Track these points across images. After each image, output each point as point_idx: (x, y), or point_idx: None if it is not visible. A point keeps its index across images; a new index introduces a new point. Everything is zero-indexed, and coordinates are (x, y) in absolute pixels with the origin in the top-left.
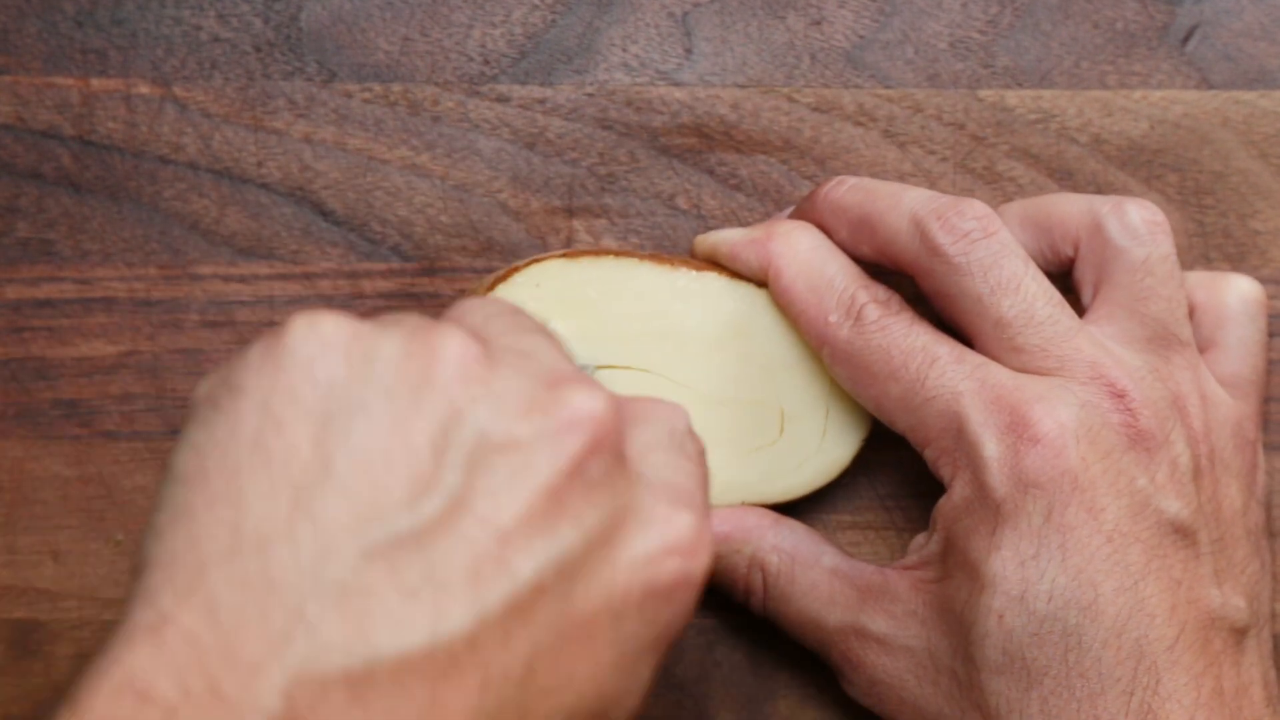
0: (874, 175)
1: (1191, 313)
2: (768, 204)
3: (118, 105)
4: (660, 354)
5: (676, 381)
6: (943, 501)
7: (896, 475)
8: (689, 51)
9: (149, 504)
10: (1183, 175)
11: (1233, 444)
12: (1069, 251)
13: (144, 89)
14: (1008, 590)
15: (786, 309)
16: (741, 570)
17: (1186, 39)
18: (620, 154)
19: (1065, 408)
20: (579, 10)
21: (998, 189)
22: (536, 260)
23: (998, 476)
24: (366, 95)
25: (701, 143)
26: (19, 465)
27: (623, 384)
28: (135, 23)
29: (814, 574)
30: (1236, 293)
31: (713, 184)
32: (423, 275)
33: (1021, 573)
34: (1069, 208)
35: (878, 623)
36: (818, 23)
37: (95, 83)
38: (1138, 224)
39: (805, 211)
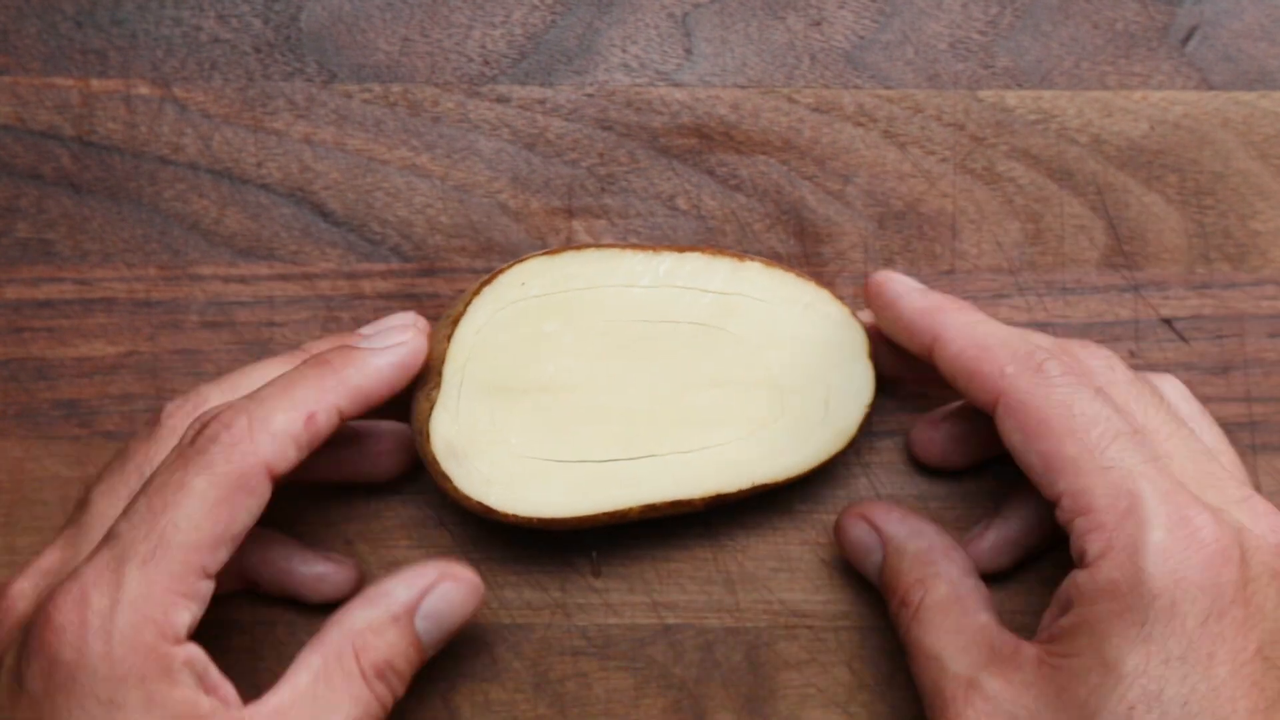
0: (874, 176)
1: None
2: (768, 204)
3: (118, 105)
4: (653, 340)
5: (671, 366)
6: (1082, 577)
7: (897, 475)
8: (689, 52)
9: None
10: (1183, 175)
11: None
12: None
13: (144, 89)
14: (1145, 686)
15: (957, 375)
16: (910, 581)
17: (1186, 39)
18: (620, 154)
19: (1230, 525)
20: (579, 11)
21: (998, 189)
22: (519, 261)
23: (1160, 567)
24: (366, 96)
25: (701, 143)
26: (19, 465)
27: (618, 375)
28: (135, 23)
29: (964, 620)
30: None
31: (713, 184)
32: (423, 275)
33: (1164, 671)
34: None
35: (994, 684)
36: (818, 23)
37: (95, 83)
38: (1180, 391)
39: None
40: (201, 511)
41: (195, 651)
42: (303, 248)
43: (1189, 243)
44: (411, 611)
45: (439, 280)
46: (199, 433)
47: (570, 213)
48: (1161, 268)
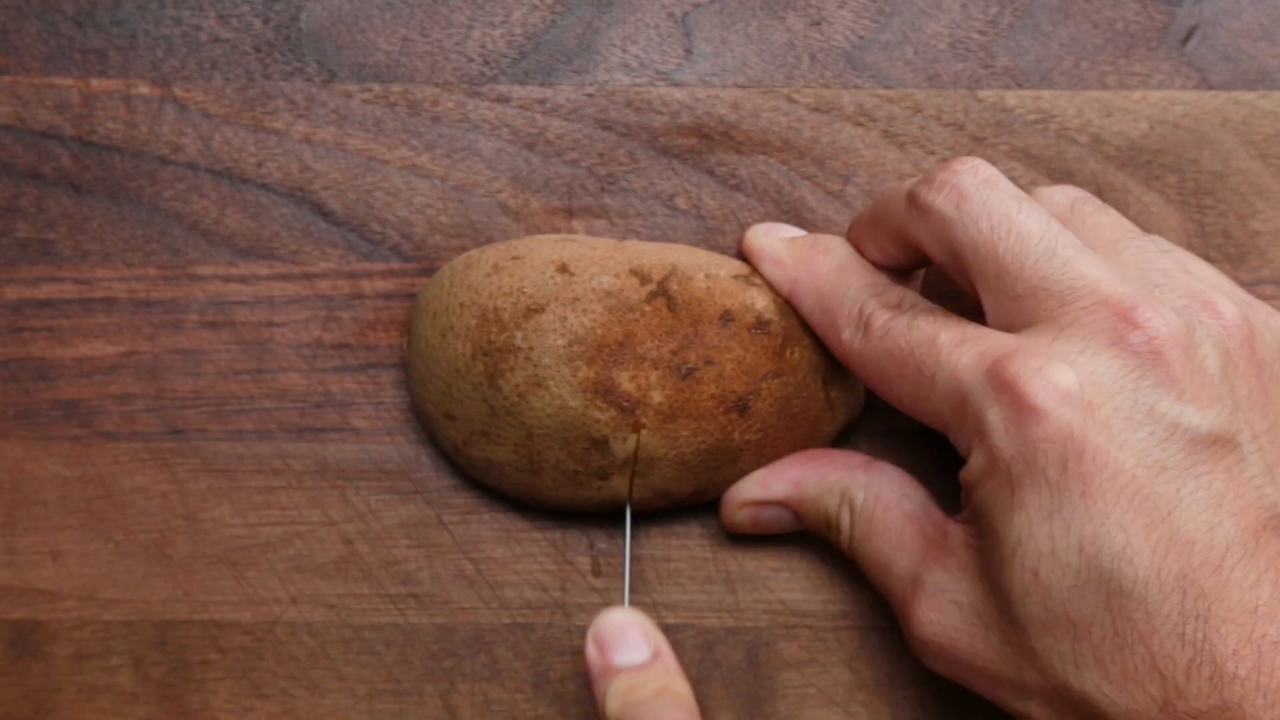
0: (874, 176)
1: None
2: (767, 204)
3: (118, 105)
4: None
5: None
6: (964, 472)
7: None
8: (689, 52)
9: (148, 504)
10: (1183, 175)
11: (1270, 330)
12: None
13: (144, 89)
14: (1037, 547)
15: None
16: (834, 508)
17: (1186, 39)
18: (620, 154)
19: (1058, 362)
20: (579, 10)
21: None
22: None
23: (1004, 439)
24: (366, 95)
25: (701, 143)
26: (19, 465)
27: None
28: (135, 23)
29: (891, 516)
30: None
31: (713, 184)
32: (423, 275)
33: (1048, 527)
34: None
35: (934, 575)
36: (818, 23)
37: (95, 83)
38: (1050, 190)
39: (852, 230)
40: None
41: None
42: (303, 248)
43: (1189, 243)
44: None
45: None
46: None
47: (570, 213)
48: None
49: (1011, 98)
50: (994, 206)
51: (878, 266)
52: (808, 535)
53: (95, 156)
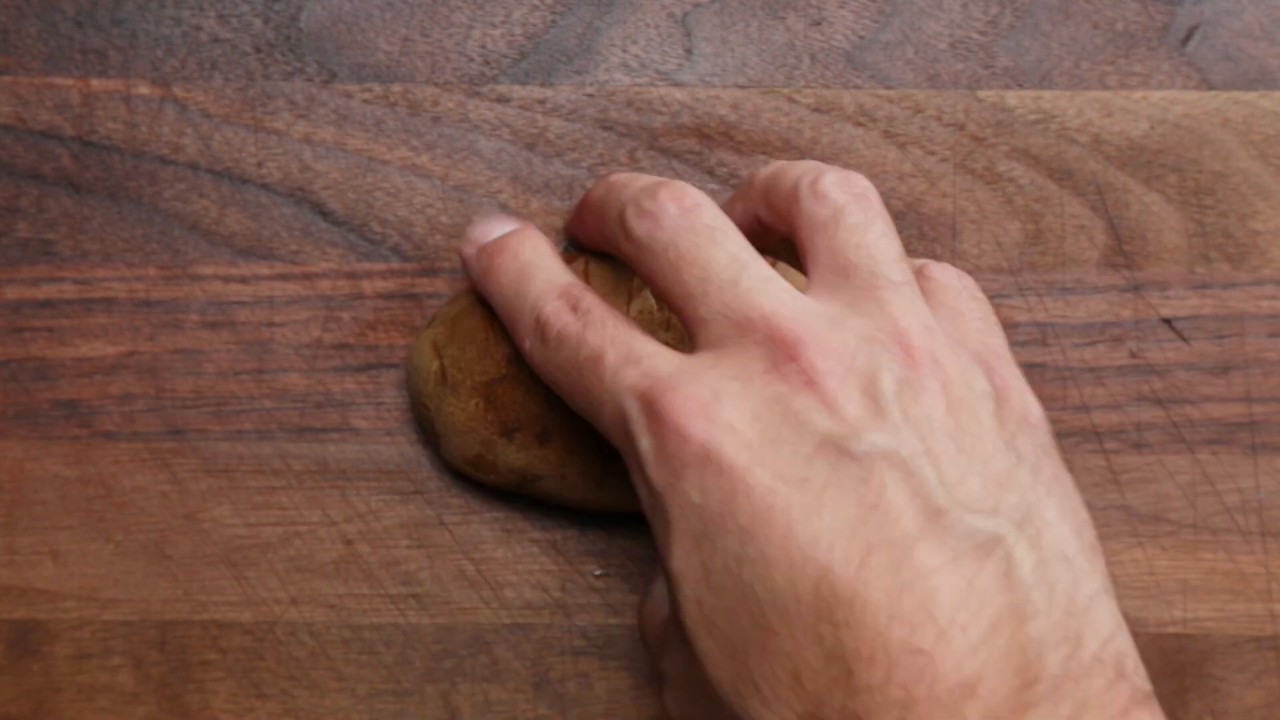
0: (874, 176)
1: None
2: None
3: (118, 105)
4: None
5: None
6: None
7: None
8: (689, 52)
9: (148, 504)
10: (1183, 175)
11: (970, 357)
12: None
13: (144, 89)
14: (695, 575)
15: None
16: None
17: (1186, 39)
18: (620, 154)
19: (704, 386)
20: (579, 11)
21: (998, 189)
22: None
23: (655, 469)
24: (366, 95)
25: (701, 143)
26: (19, 465)
27: None
28: (135, 23)
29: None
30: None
31: (713, 184)
32: (423, 275)
33: (699, 554)
34: (781, 181)
35: (665, 662)
36: (818, 23)
37: (95, 83)
38: (826, 188)
39: (580, 214)
40: None
41: None
42: (303, 248)
43: (1189, 243)
44: None
45: (439, 280)
46: None
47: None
48: (1161, 268)
49: (1012, 98)
50: (682, 236)
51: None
52: None
53: (95, 156)
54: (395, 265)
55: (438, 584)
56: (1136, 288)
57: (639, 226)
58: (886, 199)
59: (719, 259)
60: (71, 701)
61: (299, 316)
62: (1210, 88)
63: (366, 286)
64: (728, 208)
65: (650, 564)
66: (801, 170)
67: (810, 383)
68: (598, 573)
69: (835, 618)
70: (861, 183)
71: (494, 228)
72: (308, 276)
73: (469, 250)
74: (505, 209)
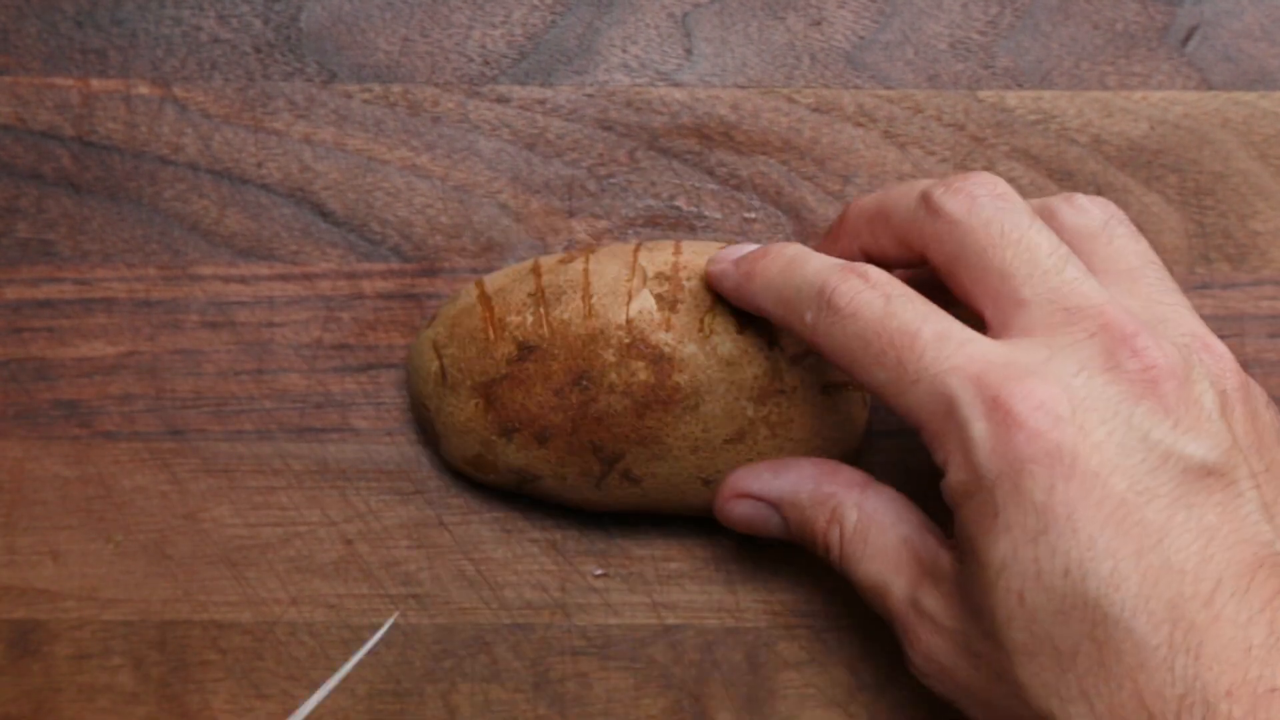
0: (874, 176)
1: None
2: (767, 204)
3: (118, 105)
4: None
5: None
6: (945, 486)
7: (896, 476)
8: (689, 52)
9: (148, 504)
10: (1183, 176)
11: (1259, 389)
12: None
13: (144, 89)
14: (1022, 570)
15: (782, 331)
16: (821, 524)
17: (1186, 40)
18: (620, 154)
19: (1052, 382)
20: (579, 11)
21: None
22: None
23: (988, 458)
24: (366, 96)
25: (701, 143)
26: (19, 465)
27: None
28: (135, 23)
29: (887, 539)
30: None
31: (713, 184)
32: (423, 275)
33: (1033, 551)
34: (905, 206)
35: (929, 599)
36: (818, 23)
37: (95, 83)
38: (1084, 203)
39: (837, 225)
40: None
41: None
42: (303, 248)
43: (1189, 243)
44: None
45: (439, 280)
46: None
47: (570, 213)
48: None
49: (1012, 98)
50: (1007, 216)
51: (864, 258)
52: None
53: (95, 156)
54: (395, 265)
55: (438, 584)
56: None
57: (952, 202)
58: None
59: (1045, 244)
60: (71, 701)
61: (299, 316)
62: (1210, 88)
63: (366, 286)
64: (826, 247)
65: (650, 564)
66: (921, 188)
67: (1152, 382)
68: (598, 573)
69: (1190, 646)
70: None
71: (742, 249)
72: (308, 276)
73: (721, 268)
74: (505, 209)
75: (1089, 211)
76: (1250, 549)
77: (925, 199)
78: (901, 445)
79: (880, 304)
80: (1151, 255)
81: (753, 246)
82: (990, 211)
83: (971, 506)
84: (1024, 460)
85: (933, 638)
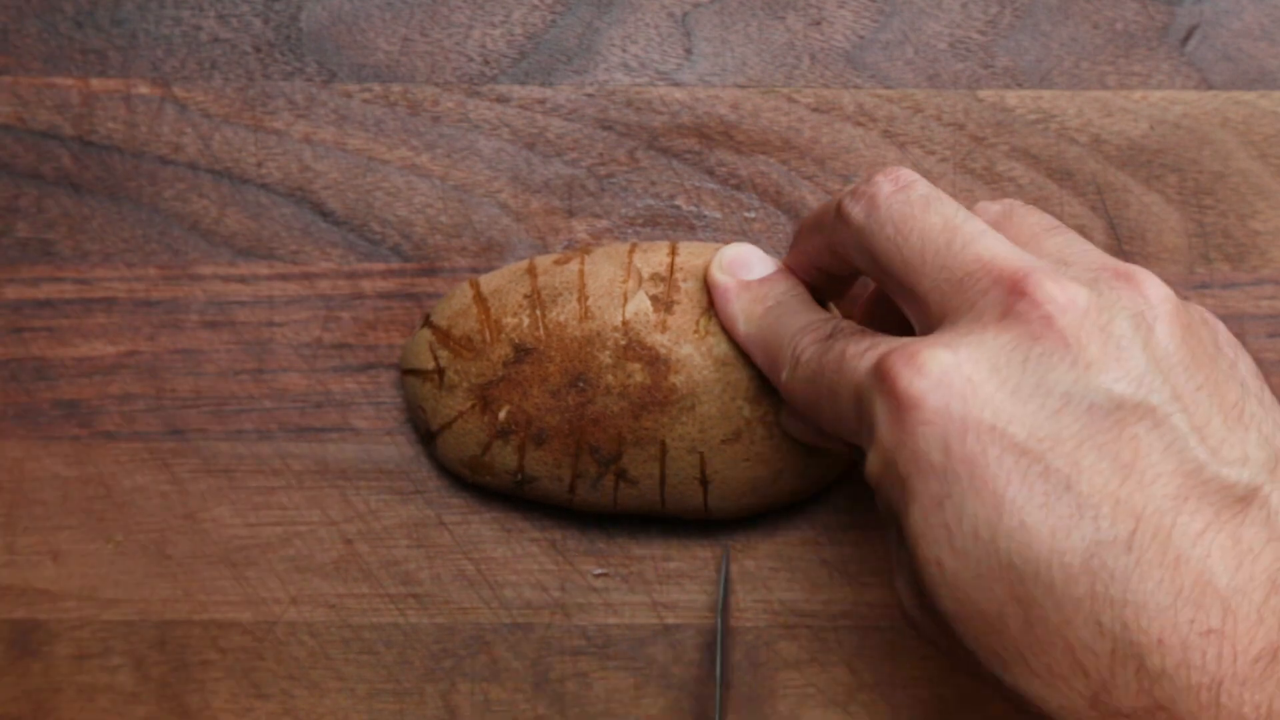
0: None
1: None
2: (767, 204)
3: (118, 105)
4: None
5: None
6: (865, 474)
7: None
8: (689, 52)
9: (148, 504)
10: (1183, 175)
11: (1204, 318)
12: None
13: (144, 89)
14: (935, 538)
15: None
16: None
17: (1186, 39)
18: (620, 154)
19: (935, 352)
20: (579, 10)
21: (998, 189)
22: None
23: (888, 432)
24: (366, 95)
25: (701, 143)
26: (19, 465)
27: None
28: (135, 23)
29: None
30: None
31: (713, 184)
32: (423, 275)
33: (941, 515)
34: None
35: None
36: (818, 23)
37: (95, 83)
38: (990, 202)
39: (793, 240)
40: None
41: None
42: (303, 248)
43: (1189, 243)
44: None
45: (439, 280)
46: None
47: (570, 213)
48: (1161, 268)
49: (1011, 98)
50: (898, 209)
51: (817, 275)
52: (808, 535)
53: (95, 156)
54: (395, 265)
55: (437, 584)
56: None
57: (855, 208)
58: None
59: (936, 222)
60: (71, 701)
61: (299, 316)
62: (1210, 88)
63: (366, 286)
64: (790, 261)
65: (650, 563)
66: (839, 197)
67: (1046, 320)
68: (597, 572)
69: (1112, 597)
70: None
71: (744, 259)
72: (308, 276)
73: (722, 279)
74: (505, 209)
75: (988, 208)
76: (1174, 480)
77: (838, 208)
78: None
79: (827, 345)
80: (1058, 223)
81: (758, 259)
82: (884, 211)
83: (885, 485)
84: (916, 425)
85: (908, 600)
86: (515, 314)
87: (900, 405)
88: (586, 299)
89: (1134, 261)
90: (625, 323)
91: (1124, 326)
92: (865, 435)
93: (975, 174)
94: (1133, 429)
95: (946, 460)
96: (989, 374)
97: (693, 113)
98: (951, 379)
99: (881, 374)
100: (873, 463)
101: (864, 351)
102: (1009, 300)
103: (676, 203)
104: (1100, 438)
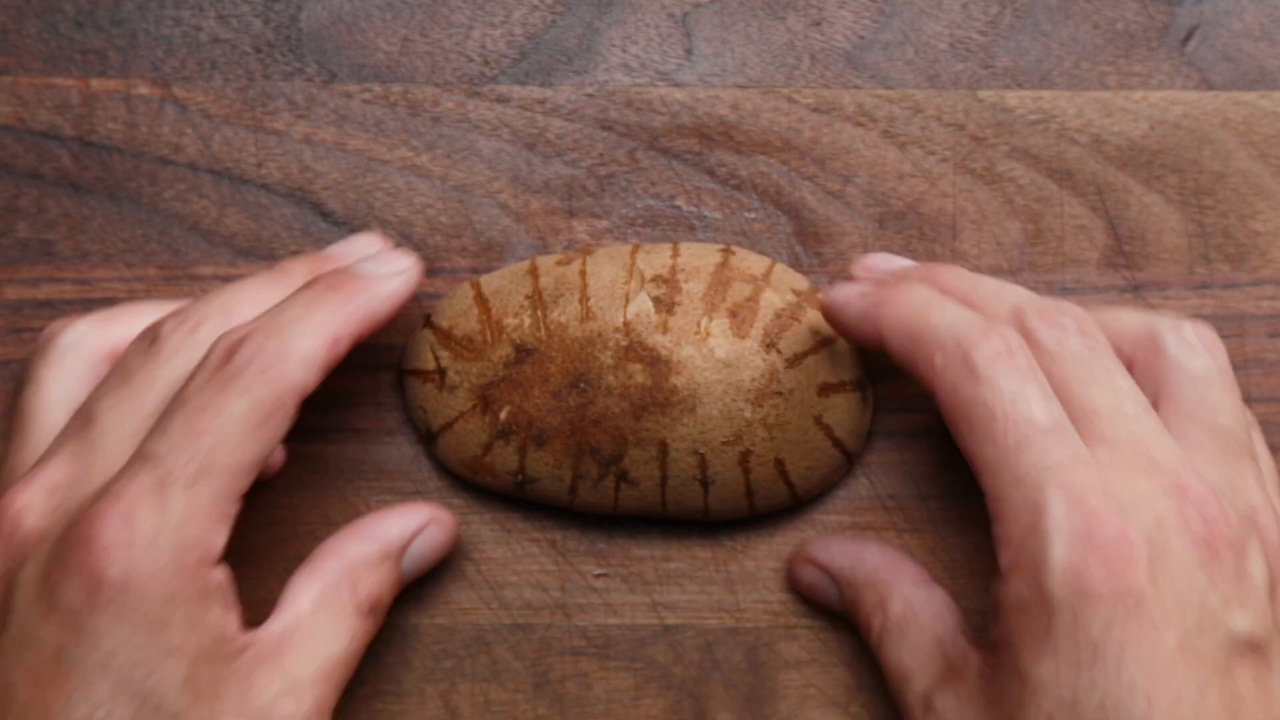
0: (874, 175)
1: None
2: (767, 204)
3: (118, 105)
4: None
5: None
6: (999, 590)
7: (896, 476)
8: (689, 52)
9: None
10: (1183, 175)
11: None
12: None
13: (144, 89)
14: (1059, 695)
15: (904, 370)
16: (867, 606)
17: (1186, 40)
18: (620, 154)
19: (1136, 526)
20: (579, 11)
21: (998, 189)
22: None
23: (1059, 583)
24: (366, 96)
25: (701, 143)
26: None
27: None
28: (135, 23)
29: (921, 637)
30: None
31: (713, 184)
32: (422, 275)
33: (1075, 679)
34: (1127, 321)
35: (945, 700)
36: (818, 23)
37: (95, 83)
38: (1194, 339)
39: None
40: (241, 434)
41: (226, 575)
42: (303, 248)
43: (1189, 243)
44: (403, 550)
45: (439, 281)
46: (229, 356)
47: (570, 213)
48: (1161, 268)
49: (1012, 98)
50: (1097, 360)
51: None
52: (808, 535)
53: (95, 156)
54: None
55: (438, 584)
56: (1136, 288)
57: (1049, 336)
58: (886, 199)
59: (1129, 391)
60: None
61: None
62: (1210, 88)
63: None
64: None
65: (650, 564)
66: (1151, 316)
67: (1215, 551)
68: (597, 573)
69: None
70: (1214, 335)
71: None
72: None
73: (844, 297)
74: (505, 209)
75: (1196, 351)
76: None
77: (1021, 322)
78: (900, 445)
79: (1011, 376)
80: (1240, 412)
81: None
82: (1082, 352)
83: (1022, 619)
84: (1092, 596)
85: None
86: (516, 314)
87: (1087, 568)
88: (588, 300)
89: (1134, 262)
90: (627, 324)
91: (1260, 578)
92: (1021, 548)
93: (975, 174)
94: (1254, 670)
95: (1104, 637)
96: (1166, 576)
97: (693, 113)
98: (1142, 569)
99: (1084, 523)
100: (1019, 593)
101: (1063, 460)
102: (1189, 514)
103: (676, 203)
104: (1231, 665)
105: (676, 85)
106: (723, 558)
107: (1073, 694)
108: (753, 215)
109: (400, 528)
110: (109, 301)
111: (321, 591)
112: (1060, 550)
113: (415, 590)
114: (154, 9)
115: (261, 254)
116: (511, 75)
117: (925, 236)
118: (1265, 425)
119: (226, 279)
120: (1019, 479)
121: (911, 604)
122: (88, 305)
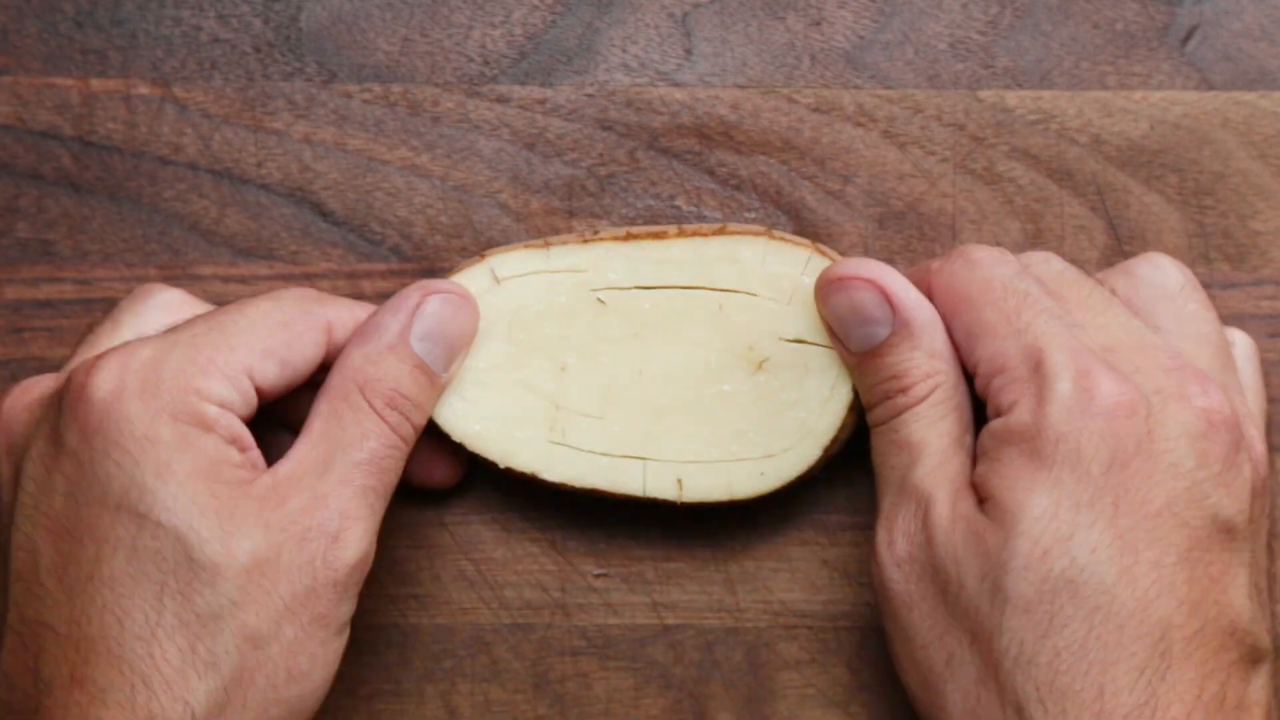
0: (874, 176)
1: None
2: (767, 204)
3: (118, 105)
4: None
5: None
6: (995, 425)
7: None
8: (689, 52)
9: None
10: (1183, 175)
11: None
12: None
13: (144, 89)
14: (1056, 530)
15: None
16: (923, 373)
17: (1186, 39)
18: (620, 154)
19: (1141, 388)
20: (579, 11)
21: (998, 189)
22: (501, 250)
23: (1063, 412)
24: (366, 96)
25: (701, 143)
26: None
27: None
28: (135, 23)
29: (953, 426)
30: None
31: (713, 184)
32: (423, 275)
33: (1073, 516)
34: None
35: (940, 508)
36: (818, 23)
37: (95, 83)
38: (1164, 262)
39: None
40: (262, 320)
41: (231, 417)
42: (303, 248)
43: (1189, 243)
44: (405, 336)
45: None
46: None
47: (570, 213)
48: None
49: (1011, 98)
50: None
51: None
52: (808, 535)
53: (95, 156)
54: (395, 265)
55: (437, 584)
56: None
57: (987, 261)
58: (886, 199)
59: (1120, 308)
60: None
61: None
62: (1210, 88)
63: (366, 286)
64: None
65: (650, 564)
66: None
67: (1213, 428)
68: (597, 573)
69: (1158, 668)
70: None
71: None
72: (308, 276)
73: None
74: (505, 209)
75: (1168, 271)
76: (1232, 615)
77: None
78: None
79: (1015, 269)
80: (1219, 325)
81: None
82: (1064, 268)
83: (1022, 450)
84: (1093, 431)
85: (918, 535)
86: None
87: (1089, 405)
88: None
89: None
90: None
91: (1247, 473)
92: (1024, 390)
93: (975, 174)
94: (1226, 555)
95: (1104, 479)
96: (1163, 435)
97: (693, 113)
98: (1140, 420)
99: (1084, 369)
100: (1025, 423)
101: (1066, 326)
102: (1189, 387)
103: (676, 203)
104: (1208, 543)
105: (676, 85)
106: (723, 558)
107: (1070, 531)
108: (753, 215)
109: (394, 315)
110: (109, 301)
111: (330, 405)
112: (1064, 385)
113: (415, 590)
114: (154, 9)
115: (261, 254)
116: (511, 75)
117: (925, 236)
118: (1268, 426)
119: (226, 279)
120: (1020, 331)
121: (959, 395)
122: (88, 305)
